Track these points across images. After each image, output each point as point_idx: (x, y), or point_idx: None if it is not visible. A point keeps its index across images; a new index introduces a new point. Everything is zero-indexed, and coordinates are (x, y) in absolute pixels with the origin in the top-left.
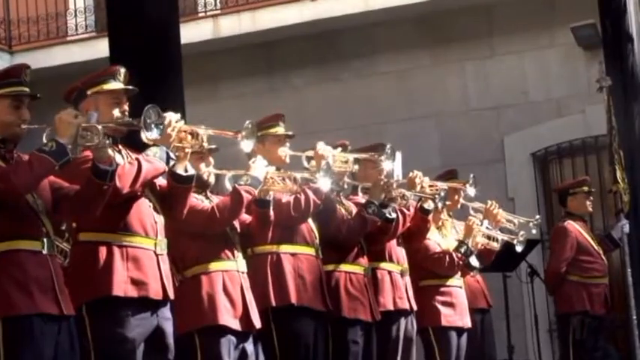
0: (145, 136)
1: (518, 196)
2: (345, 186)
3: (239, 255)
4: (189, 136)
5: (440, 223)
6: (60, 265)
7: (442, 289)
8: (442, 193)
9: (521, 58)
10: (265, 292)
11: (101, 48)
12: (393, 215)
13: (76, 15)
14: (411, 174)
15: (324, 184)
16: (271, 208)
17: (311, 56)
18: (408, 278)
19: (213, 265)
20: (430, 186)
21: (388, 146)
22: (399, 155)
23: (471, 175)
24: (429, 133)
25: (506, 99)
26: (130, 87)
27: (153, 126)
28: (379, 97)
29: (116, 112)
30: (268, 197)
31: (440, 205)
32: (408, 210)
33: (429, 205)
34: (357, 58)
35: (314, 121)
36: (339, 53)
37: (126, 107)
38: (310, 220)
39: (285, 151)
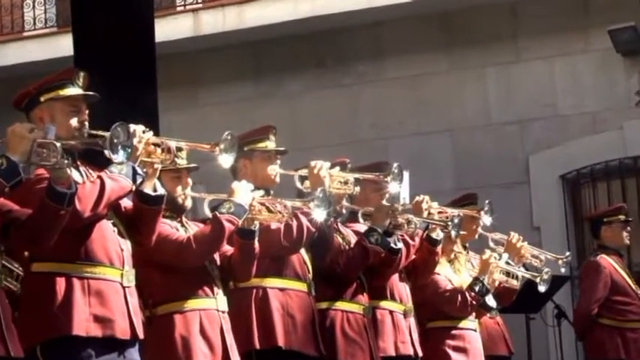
0: (111, 158)
1: (545, 225)
2: (344, 211)
3: (219, 292)
4: (159, 150)
5: (452, 256)
6: (12, 294)
7: (453, 332)
8: (456, 221)
9: (550, 65)
10: (248, 333)
11: (63, 45)
12: (399, 245)
13: (34, 7)
14: (417, 198)
15: (319, 215)
16: (256, 239)
17: (307, 59)
18: (412, 319)
19: (190, 303)
20: (439, 212)
21: (395, 165)
22: (406, 175)
23: (487, 201)
24: (442, 150)
25: (533, 112)
26: (90, 93)
27: (119, 147)
28: (385, 107)
29: (74, 122)
30: (253, 227)
31: (453, 234)
32: (413, 240)
33: (437, 234)
34: (360, 62)
35: (309, 134)
36: (339, 56)
37: (85, 116)
38: (303, 251)
39: (275, 170)
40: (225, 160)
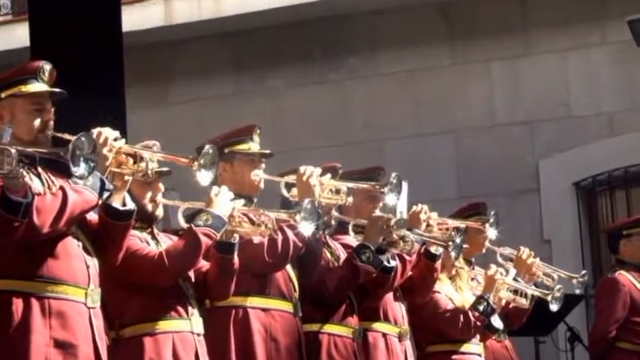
0: (72, 171)
1: (556, 238)
2: (333, 222)
3: (194, 312)
4: (131, 160)
5: (453, 272)
6: None
7: (455, 356)
8: (457, 240)
9: (563, 59)
10: (226, 358)
11: (18, 35)
12: (393, 263)
13: None
14: (415, 207)
15: (306, 228)
16: (236, 253)
17: (292, 51)
18: (408, 343)
19: (161, 325)
20: (439, 224)
21: (393, 175)
22: (405, 187)
23: (492, 212)
24: (442, 153)
25: (543, 112)
26: (57, 90)
27: (81, 160)
28: (380, 105)
29: (37, 123)
30: (233, 240)
31: (454, 255)
32: (409, 255)
33: (436, 248)
34: (352, 55)
35: (295, 135)
36: (328, 48)
37: (51, 116)
38: (289, 267)
39: (259, 175)
40: (204, 178)
